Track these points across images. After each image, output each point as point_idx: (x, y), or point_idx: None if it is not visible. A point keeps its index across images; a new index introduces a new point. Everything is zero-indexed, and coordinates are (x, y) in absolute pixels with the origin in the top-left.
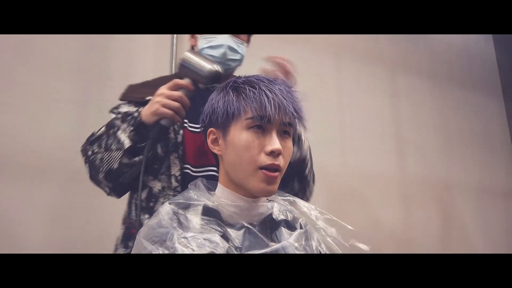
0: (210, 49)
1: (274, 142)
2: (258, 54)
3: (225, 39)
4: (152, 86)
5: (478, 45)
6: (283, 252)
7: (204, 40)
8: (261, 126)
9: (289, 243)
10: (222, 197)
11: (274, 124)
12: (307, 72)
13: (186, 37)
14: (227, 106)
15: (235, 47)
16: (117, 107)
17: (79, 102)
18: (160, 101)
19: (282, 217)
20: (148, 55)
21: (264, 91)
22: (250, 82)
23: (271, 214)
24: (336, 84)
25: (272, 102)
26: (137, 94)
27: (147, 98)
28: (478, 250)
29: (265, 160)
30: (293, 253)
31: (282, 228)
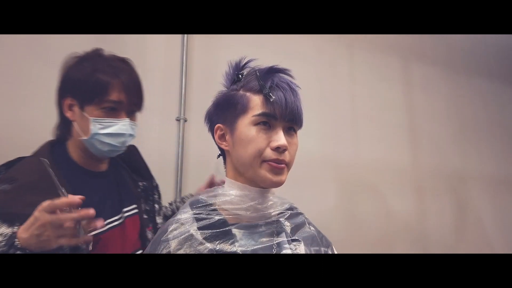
0: (106, 136)
1: (280, 138)
2: (274, 44)
3: (125, 127)
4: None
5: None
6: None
7: (98, 125)
8: (267, 122)
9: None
10: (233, 190)
11: (280, 121)
12: (320, 61)
13: (196, 36)
14: (236, 102)
15: (132, 132)
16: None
17: None
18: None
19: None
20: (160, 49)
21: (274, 89)
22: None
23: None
24: (348, 73)
25: (281, 102)
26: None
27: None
28: (493, 242)
29: (270, 154)
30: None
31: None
